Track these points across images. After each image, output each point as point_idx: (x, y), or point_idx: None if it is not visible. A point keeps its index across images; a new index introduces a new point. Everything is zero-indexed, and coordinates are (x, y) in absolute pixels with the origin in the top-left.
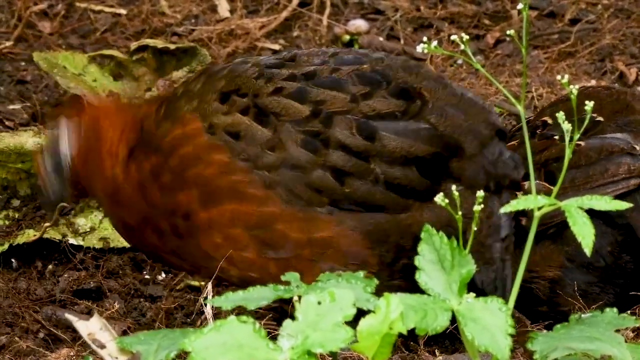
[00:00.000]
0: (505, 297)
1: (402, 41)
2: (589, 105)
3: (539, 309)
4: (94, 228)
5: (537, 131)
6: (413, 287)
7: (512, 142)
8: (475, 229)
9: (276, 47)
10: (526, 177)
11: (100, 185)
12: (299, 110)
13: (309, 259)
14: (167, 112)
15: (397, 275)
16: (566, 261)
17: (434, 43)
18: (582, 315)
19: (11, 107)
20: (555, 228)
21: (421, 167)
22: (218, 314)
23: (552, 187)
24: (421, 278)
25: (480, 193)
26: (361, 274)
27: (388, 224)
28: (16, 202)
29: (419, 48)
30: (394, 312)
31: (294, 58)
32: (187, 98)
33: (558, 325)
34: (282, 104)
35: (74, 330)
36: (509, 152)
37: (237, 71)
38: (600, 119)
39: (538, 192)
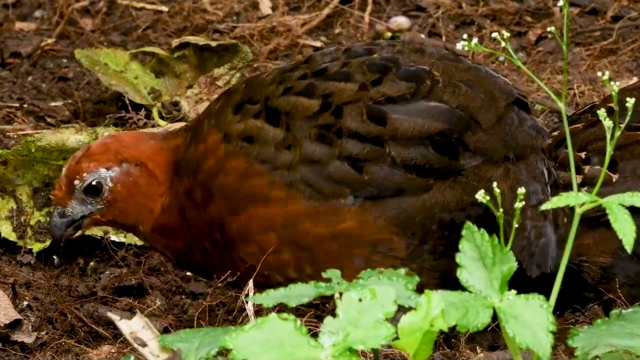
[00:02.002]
0: (546, 264)
1: (443, 38)
2: (630, 101)
3: (585, 295)
4: None
5: None
6: (446, 268)
7: (577, 125)
8: (516, 225)
9: (317, 44)
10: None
11: (147, 223)
12: (308, 106)
13: (337, 253)
14: (193, 136)
15: (428, 257)
16: (619, 249)
17: (475, 40)
18: (623, 311)
19: (53, 104)
20: None
21: (437, 144)
22: (259, 311)
23: (612, 175)
24: (462, 275)
25: (522, 190)
26: (402, 271)
27: (411, 208)
28: None
29: (460, 45)
30: (435, 309)
31: (309, 60)
32: (209, 118)
33: (599, 321)
34: (292, 102)
35: (115, 327)
36: (531, 120)
37: (252, 83)
38: None
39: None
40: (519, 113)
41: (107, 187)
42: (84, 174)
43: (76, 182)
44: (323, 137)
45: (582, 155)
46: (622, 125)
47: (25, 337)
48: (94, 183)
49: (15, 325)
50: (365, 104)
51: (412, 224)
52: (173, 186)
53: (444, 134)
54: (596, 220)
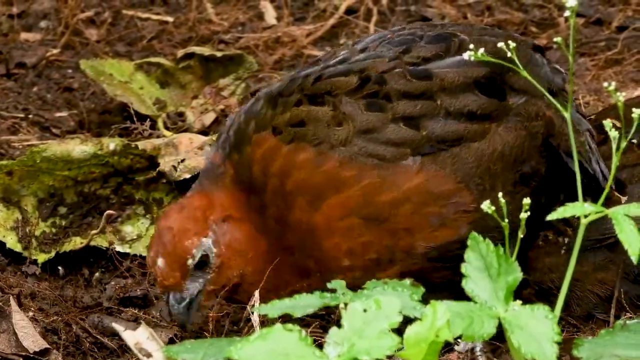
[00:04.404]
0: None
1: None
2: (636, 112)
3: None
4: (140, 235)
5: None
6: (519, 209)
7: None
8: (522, 235)
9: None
10: None
11: (254, 273)
12: (347, 82)
13: (410, 214)
14: (236, 146)
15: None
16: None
17: (482, 50)
18: (628, 322)
19: (58, 114)
20: None
21: (484, 88)
22: (265, 322)
23: (621, 197)
24: (467, 285)
25: (527, 200)
26: (407, 281)
27: (471, 156)
28: (63, 210)
29: (466, 55)
30: (441, 319)
31: (320, 59)
32: (243, 127)
33: (603, 331)
34: (330, 82)
35: (121, 338)
36: (547, 63)
37: (275, 86)
38: None
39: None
40: (541, 57)
41: (213, 254)
42: (193, 250)
43: (189, 262)
44: (372, 104)
45: None
46: (628, 138)
47: None
48: (202, 256)
49: (44, 353)
50: (404, 68)
51: (476, 171)
52: (250, 216)
53: (488, 78)
54: None
